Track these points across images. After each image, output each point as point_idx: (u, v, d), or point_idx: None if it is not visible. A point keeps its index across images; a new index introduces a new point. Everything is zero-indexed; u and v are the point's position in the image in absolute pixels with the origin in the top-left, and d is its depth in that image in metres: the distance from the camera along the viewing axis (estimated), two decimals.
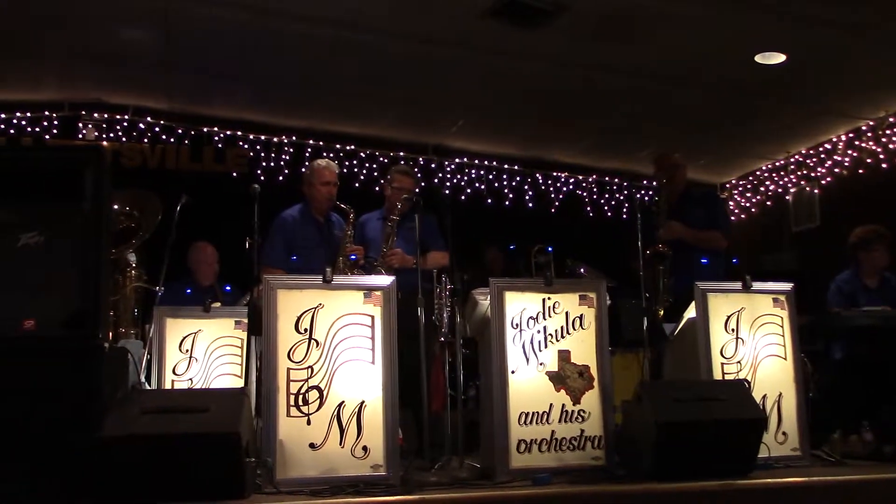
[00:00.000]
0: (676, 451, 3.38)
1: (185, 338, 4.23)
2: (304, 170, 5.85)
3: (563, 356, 3.79)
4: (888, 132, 7.53)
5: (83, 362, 3.04)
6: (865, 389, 4.95)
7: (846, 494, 3.38)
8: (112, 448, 2.95)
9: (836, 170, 8.10)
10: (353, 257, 4.95)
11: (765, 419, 3.80)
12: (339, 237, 5.24)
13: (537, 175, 9.02)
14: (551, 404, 3.72)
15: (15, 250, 3.08)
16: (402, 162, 7.97)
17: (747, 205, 9.35)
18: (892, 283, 5.65)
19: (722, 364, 4.05)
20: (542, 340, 3.79)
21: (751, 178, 9.33)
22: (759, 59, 6.46)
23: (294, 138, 8.05)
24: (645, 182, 9.01)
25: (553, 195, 9.06)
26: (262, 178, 7.69)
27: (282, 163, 7.93)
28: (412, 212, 4.66)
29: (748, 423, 3.56)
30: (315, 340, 3.52)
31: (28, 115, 7.34)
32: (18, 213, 3.14)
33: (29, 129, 7.34)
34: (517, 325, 3.77)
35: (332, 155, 8.12)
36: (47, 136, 7.34)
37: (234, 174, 7.84)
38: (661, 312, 4.93)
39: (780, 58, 6.46)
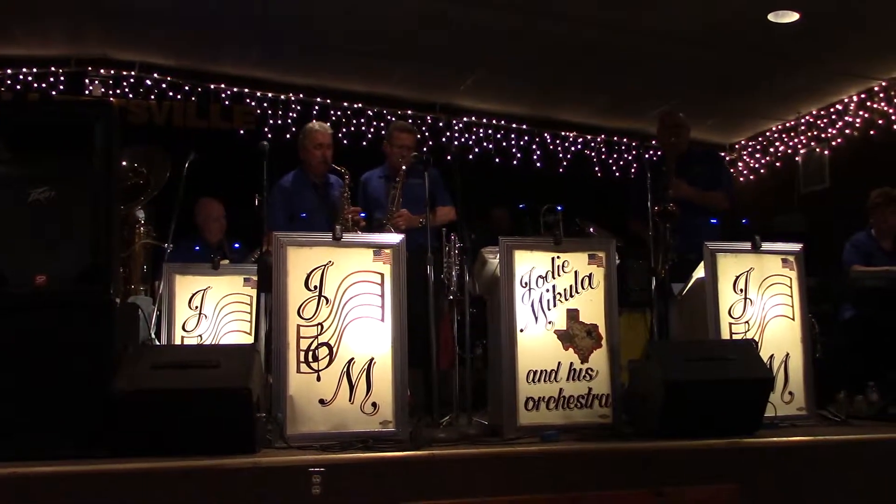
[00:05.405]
0: (684, 410, 3.41)
1: (194, 294, 4.24)
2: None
3: (572, 315, 3.80)
4: None
5: (94, 317, 3.06)
6: (872, 350, 4.97)
7: (851, 454, 3.41)
8: (123, 402, 2.98)
9: (847, 131, 8.02)
10: (362, 214, 4.96)
11: (772, 379, 3.81)
12: (337, 198, 5.23)
13: (545, 134, 8.96)
14: (559, 363, 3.73)
15: (25, 205, 3.08)
16: (410, 120, 7.92)
17: (756, 166, 9.29)
18: None
19: (730, 324, 4.05)
20: (551, 299, 3.79)
21: (760, 138, 9.26)
22: (771, 17, 6.37)
23: (302, 96, 8.00)
24: (654, 142, 8.95)
25: (561, 155, 9.02)
26: (270, 135, 7.64)
27: (289, 120, 7.89)
28: (420, 169, 4.62)
29: (755, 382, 3.58)
30: (325, 297, 3.54)
31: (34, 70, 7.30)
32: (28, 168, 3.14)
33: (35, 84, 7.31)
34: (526, 283, 3.77)
35: (339, 113, 8.09)
36: (53, 92, 7.32)
37: (242, 132, 7.81)
38: (664, 272, 4.91)
39: (793, 16, 6.37)
